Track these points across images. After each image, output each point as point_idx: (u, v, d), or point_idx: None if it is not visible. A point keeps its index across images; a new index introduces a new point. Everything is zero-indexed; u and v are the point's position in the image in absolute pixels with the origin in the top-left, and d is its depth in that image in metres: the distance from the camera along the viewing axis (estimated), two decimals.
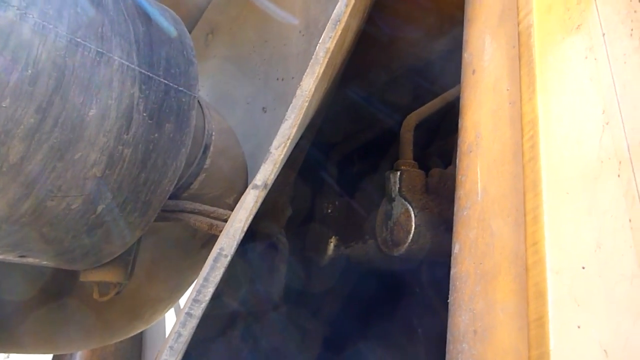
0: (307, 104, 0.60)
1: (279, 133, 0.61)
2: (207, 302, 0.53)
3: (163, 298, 1.55)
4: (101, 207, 0.89)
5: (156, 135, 0.91)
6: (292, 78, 1.29)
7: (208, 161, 1.16)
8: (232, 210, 1.24)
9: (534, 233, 0.44)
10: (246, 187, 1.35)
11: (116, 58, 0.85)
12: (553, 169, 0.45)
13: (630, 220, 0.47)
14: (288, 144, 0.61)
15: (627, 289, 0.44)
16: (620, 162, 0.48)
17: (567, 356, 0.40)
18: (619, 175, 0.47)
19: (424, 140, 1.17)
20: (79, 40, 0.80)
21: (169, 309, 1.64)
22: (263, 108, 1.44)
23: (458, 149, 0.58)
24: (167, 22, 1.00)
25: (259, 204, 0.58)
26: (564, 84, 0.49)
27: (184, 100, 0.96)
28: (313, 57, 0.62)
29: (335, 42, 0.62)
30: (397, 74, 1.29)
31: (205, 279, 0.54)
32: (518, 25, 0.51)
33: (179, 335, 0.52)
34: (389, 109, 1.32)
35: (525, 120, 0.48)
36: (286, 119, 0.61)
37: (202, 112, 1.16)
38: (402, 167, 0.93)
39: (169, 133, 0.93)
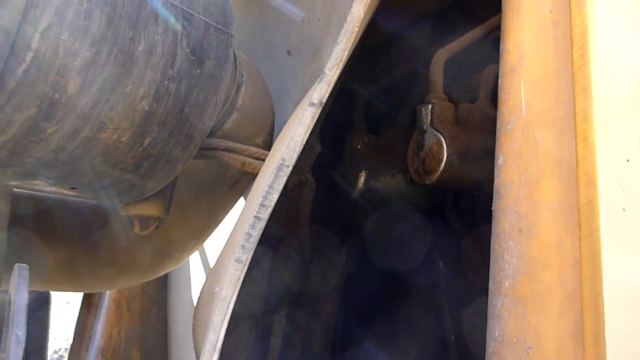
0: (357, 28, 0.64)
1: (332, 55, 0.65)
2: (272, 207, 0.59)
3: (192, 237, 1.61)
4: (148, 140, 0.94)
5: (198, 71, 0.95)
6: (319, 20, 1.32)
7: (240, 101, 1.20)
8: (263, 148, 1.29)
9: (584, 130, 0.48)
10: (273, 128, 1.39)
11: None
12: (601, 74, 0.50)
13: None
14: (340, 66, 0.65)
15: None
16: None
17: (613, 233, 0.45)
18: None
19: (450, 77, 1.20)
20: None
21: (197, 248, 1.70)
22: (288, 51, 1.47)
23: (500, 70, 0.62)
24: None
25: (314, 121, 0.63)
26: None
27: (222, 37, 0.99)
28: None
29: None
30: (419, 18, 1.31)
31: (270, 187, 0.59)
32: None
33: (250, 235, 0.57)
34: (412, 50, 1.35)
35: (575, 31, 0.52)
36: (338, 43, 0.65)
37: (234, 53, 1.19)
38: (433, 101, 0.97)
39: (209, 69, 0.97)
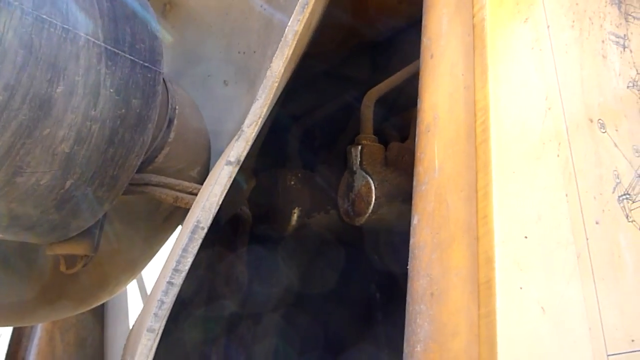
0: (277, 84, 0.64)
1: (250, 112, 0.65)
2: (186, 271, 0.57)
3: (127, 269, 1.57)
4: (70, 182, 0.90)
5: (123, 110, 0.92)
6: (254, 52, 1.31)
7: (172, 135, 1.18)
8: (196, 182, 1.27)
9: (484, 207, 0.49)
10: (209, 159, 1.37)
11: (82, 34, 0.86)
12: (501, 150, 0.51)
13: (566, 195, 0.53)
14: (259, 122, 0.64)
15: (563, 255, 0.50)
16: (559, 143, 0.54)
17: (510, 313, 0.46)
18: (558, 155, 0.53)
19: (381, 115, 1.22)
20: (44, 17, 0.80)
21: (132, 280, 1.66)
22: (224, 81, 1.46)
23: (417, 128, 0.63)
24: None
25: (231, 180, 0.62)
26: (513, 73, 0.55)
27: (149, 75, 0.97)
28: (282, 39, 0.65)
29: (302, 25, 0.65)
30: (354, 51, 1.33)
31: (185, 250, 0.58)
32: (473, 18, 0.55)
33: (162, 302, 0.55)
34: (347, 84, 1.36)
35: (478, 106, 0.53)
36: (257, 99, 0.65)
37: (166, 86, 1.17)
38: (363, 142, 0.98)
39: (135, 108, 0.95)
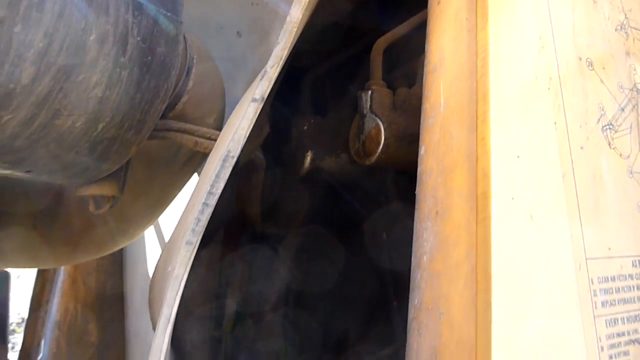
0: (295, 29, 0.70)
1: (272, 54, 0.71)
2: (219, 194, 0.65)
3: (146, 214, 1.65)
4: (102, 124, 0.98)
5: (149, 58, 0.99)
6: (267, 3, 1.36)
7: (191, 83, 1.24)
8: (213, 129, 1.34)
9: (483, 131, 0.56)
10: (224, 107, 1.44)
11: None
12: (498, 82, 0.57)
13: (555, 123, 0.60)
14: (281, 63, 0.71)
15: (550, 172, 0.57)
16: (550, 78, 0.61)
17: (503, 218, 0.54)
18: (549, 88, 0.60)
19: (389, 63, 1.27)
20: None
21: (151, 224, 1.74)
22: (238, 32, 1.51)
23: (424, 68, 0.69)
24: None
25: (257, 115, 0.69)
26: (510, 15, 0.61)
27: (172, 24, 1.03)
28: None
29: None
30: (362, 2, 1.37)
31: (217, 175, 0.65)
32: None
33: (199, 220, 0.63)
34: (355, 34, 1.41)
35: (479, 44, 0.60)
36: (278, 42, 0.71)
37: (184, 36, 1.23)
38: (373, 87, 1.04)
39: (160, 56, 1.01)
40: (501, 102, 0.56)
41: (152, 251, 2.19)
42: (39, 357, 2.13)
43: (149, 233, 2.17)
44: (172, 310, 0.60)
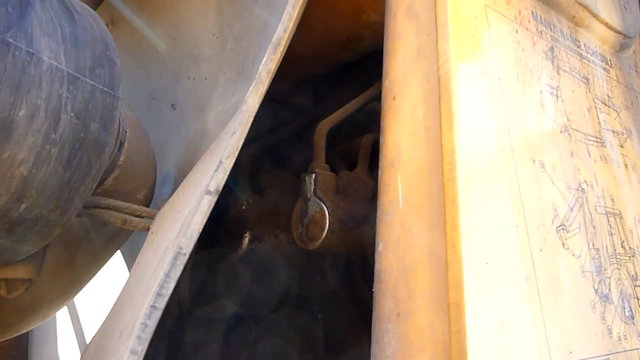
0: (252, 118, 0.68)
1: (229, 145, 0.68)
2: (169, 295, 0.59)
3: (62, 293, 1.52)
4: (25, 205, 0.89)
5: (82, 134, 0.93)
6: (205, 78, 1.34)
7: (122, 157, 1.19)
8: (143, 205, 1.27)
9: (453, 237, 0.56)
10: (155, 181, 1.38)
11: (45, 58, 0.86)
12: (466, 188, 0.58)
13: (517, 226, 0.61)
14: (236, 154, 0.68)
15: (515, 278, 0.57)
16: (510, 182, 0.62)
17: (476, 329, 0.52)
18: (509, 192, 0.61)
19: (328, 143, 1.28)
20: (10, 40, 0.81)
21: (66, 304, 1.61)
22: (172, 105, 1.47)
23: (380, 162, 0.69)
24: (89, 21, 1.01)
25: (211, 209, 0.65)
26: (472, 119, 0.62)
27: (108, 100, 0.98)
28: (257, 77, 0.70)
29: (275, 64, 0.70)
30: (300, 82, 1.39)
31: (167, 275, 0.60)
32: (438, 70, 0.63)
33: (146, 326, 0.57)
34: (294, 112, 1.41)
35: (445, 148, 0.60)
36: (234, 132, 0.69)
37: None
38: (317, 170, 1.04)
39: (94, 132, 0.95)
40: (469, 208, 0.56)
41: (63, 332, 2.00)
42: None
43: (61, 312, 2.00)
44: None
